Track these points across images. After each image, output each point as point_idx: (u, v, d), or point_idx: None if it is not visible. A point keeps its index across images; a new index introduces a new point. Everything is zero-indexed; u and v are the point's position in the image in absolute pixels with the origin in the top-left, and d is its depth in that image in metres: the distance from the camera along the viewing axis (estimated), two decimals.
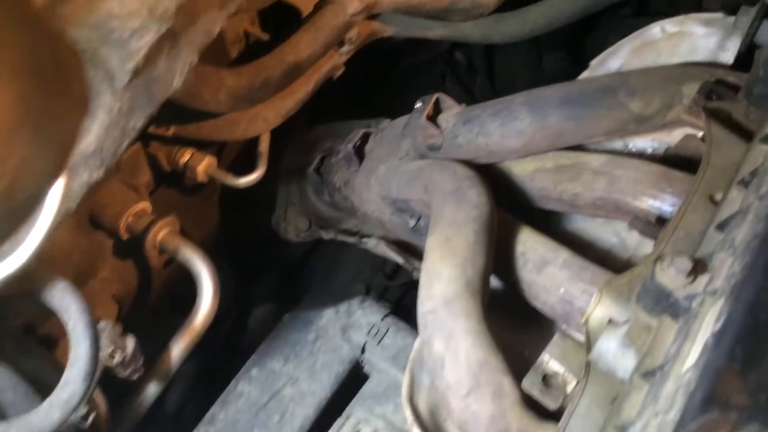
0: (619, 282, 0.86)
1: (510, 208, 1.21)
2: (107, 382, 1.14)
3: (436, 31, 1.53)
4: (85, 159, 0.69)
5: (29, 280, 0.83)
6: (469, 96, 2.49)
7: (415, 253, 1.46)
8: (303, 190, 1.75)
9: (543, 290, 1.04)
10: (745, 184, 0.81)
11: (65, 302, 0.81)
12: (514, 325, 1.12)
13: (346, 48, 1.37)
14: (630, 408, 0.70)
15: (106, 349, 1.00)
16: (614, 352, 0.79)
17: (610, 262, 1.19)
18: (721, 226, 0.78)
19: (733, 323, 0.56)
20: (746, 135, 0.97)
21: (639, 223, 1.02)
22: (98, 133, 0.68)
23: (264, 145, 1.35)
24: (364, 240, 1.50)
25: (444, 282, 0.96)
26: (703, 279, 0.72)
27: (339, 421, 1.17)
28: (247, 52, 1.39)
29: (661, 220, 1.05)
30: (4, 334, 1.04)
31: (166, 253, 1.29)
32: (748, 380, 0.52)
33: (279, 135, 1.67)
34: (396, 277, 1.79)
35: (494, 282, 1.16)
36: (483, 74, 2.46)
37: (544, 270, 1.04)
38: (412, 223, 1.31)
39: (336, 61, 1.39)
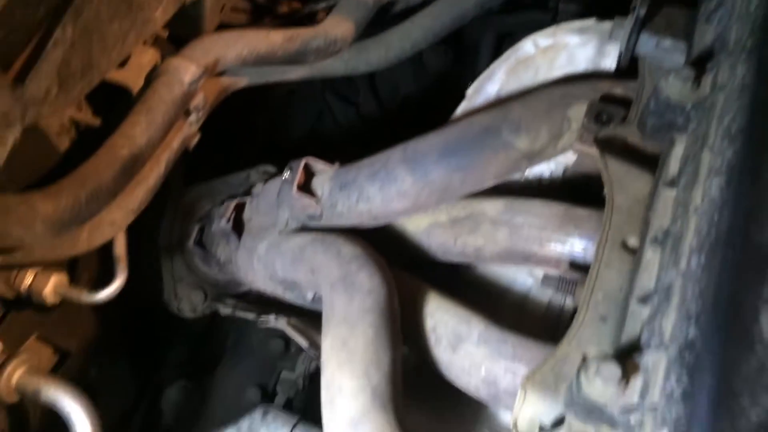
0: (542, 372, 0.74)
1: (411, 263, 1.09)
2: None
3: (296, 72, 1.37)
4: None
5: None
6: (353, 108, 2.36)
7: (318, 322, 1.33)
8: (189, 262, 1.57)
9: (463, 371, 0.92)
10: (659, 242, 0.70)
11: None
12: (440, 408, 1.00)
13: (194, 117, 1.19)
14: None
15: None
16: None
17: (528, 309, 1.10)
18: (644, 300, 0.68)
19: None
20: (645, 161, 0.87)
21: (552, 281, 0.91)
22: None
23: (119, 248, 1.16)
24: (263, 318, 1.34)
25: (347, 397, 0.82)
26: (636, 383, 0.61)
27: None
28: (80, 140, 1.19)
29: (574, 265, 0.95)
30: None
31: (26, 397, 1.09)
32: None
33: (155, 200, 1.48)
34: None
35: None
36: (364, 84, 2.33)
37: (460, 348, 0.92)
38: (309, 296, 1.16)
39: (187, 132, 1.21)
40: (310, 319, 1.37)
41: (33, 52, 0.75)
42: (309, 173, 1.11)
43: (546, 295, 1.07)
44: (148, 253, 1.58)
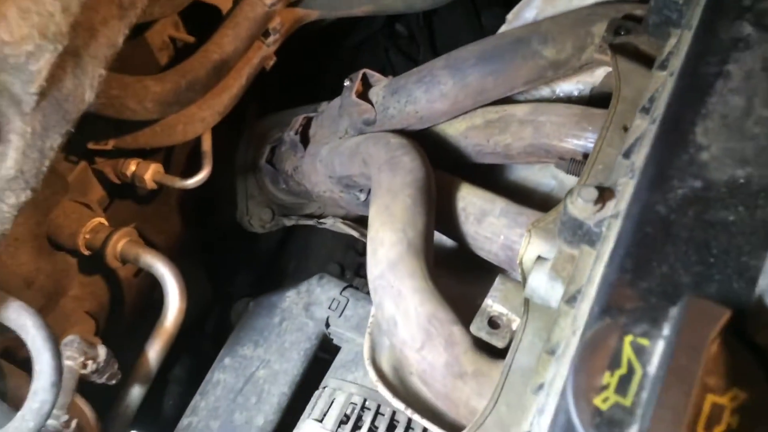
0: (546, 221, 0.91)
1: (451, 168, 1.26)
2: (94, 390, 1.19)
3: (361, 8, 1.56)
4: (8, 183, 0.72)
5: None
6: (414, 65, 2.52)
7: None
8: (260, 182, 1.79)
9: (485, 240, 1.09)
10: (646, 110, 0.85)
11: (21, 320, 0.84)
12: (467, 277, 1.17)
13: (272, 38, 1.40)
14: (559, 332, 0.75)
15: (77, 360, 1.03)
16: (545, 286, 0.83)
17: (551, 204, 1.25)
18: (627, 154, 0.83)
19: (623, 239, 0.61)
20: (652, 64, 1.01)
21: (564, 164, 1.06)
22: (15, 157, 0.71)
23: (206, 145, 1.38)
24: (321, 221, 1.55)
25: (387, 247, 1.00)
26: (611, 204, 0.76)
27: (316, 393, 1.22)
28: (177, 57, 1.41)
29: (587, 157, 1.10)
30: None
31: (127, 262, 1.32)
32: (638, 287, 0.57)
33: (232, 130, 1.71)
34: None
35: (445, 239, 1.21)
36: (425, 43, 2.49)
37: (484, 221, 1.09)
38: (362, 197, 1.35)
39: (265, 52, 1.42)
40: (361, 224, 1.56)
41: None
42: (366, 84, 1.29)
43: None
44: (226, 175, 1.82)
